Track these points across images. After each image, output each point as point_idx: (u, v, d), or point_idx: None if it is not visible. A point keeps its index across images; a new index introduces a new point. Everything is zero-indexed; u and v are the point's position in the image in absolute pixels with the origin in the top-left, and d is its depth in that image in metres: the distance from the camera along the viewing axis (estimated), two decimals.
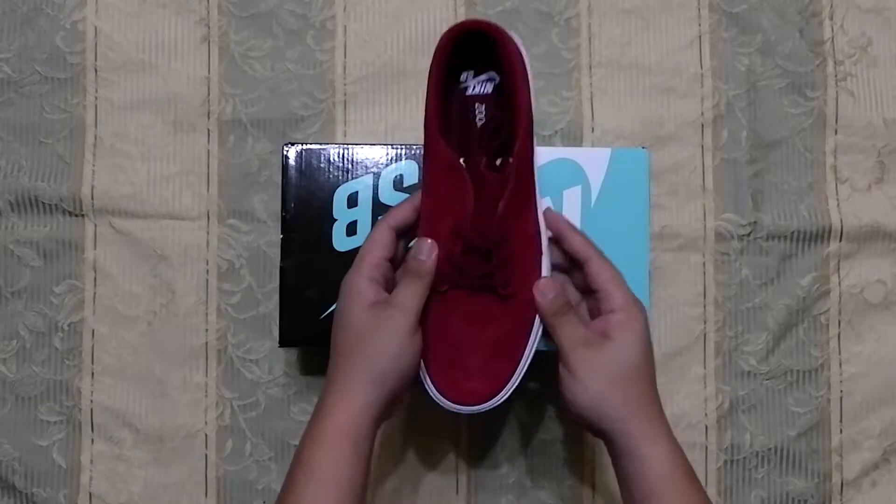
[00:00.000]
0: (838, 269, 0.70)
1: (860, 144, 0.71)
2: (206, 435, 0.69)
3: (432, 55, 0.53)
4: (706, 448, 0.70)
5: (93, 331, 0.70)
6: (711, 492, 0.69)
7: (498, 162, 0.55)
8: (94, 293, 0.70)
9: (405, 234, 0.55)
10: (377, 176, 0.64)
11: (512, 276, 0.52)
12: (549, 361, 0.69)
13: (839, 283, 0.70)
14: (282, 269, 0.63)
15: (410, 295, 0.51)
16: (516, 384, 0.52)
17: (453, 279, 0.52)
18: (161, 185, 0.70)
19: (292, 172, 0.64)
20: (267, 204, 0.70)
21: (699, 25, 0.72)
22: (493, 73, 0.55)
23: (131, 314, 0.70)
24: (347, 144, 0.64)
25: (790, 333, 0.70)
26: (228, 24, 0.71)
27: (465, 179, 0.51)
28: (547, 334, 0.53)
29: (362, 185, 0.64)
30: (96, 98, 0.71)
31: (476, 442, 0.69)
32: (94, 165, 0.70)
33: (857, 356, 0.70)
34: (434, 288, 0.52)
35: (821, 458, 0.70)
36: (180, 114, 0.71)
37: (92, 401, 0.69)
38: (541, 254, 0.53)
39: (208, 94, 0.71)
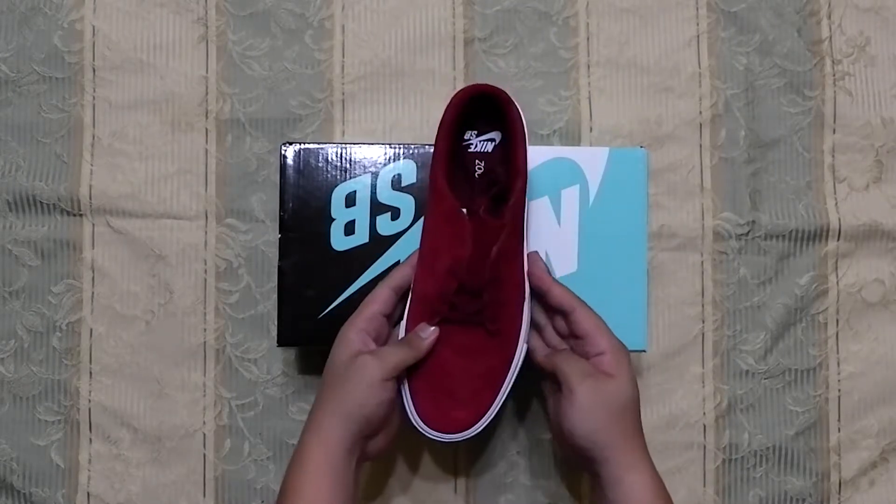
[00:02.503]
0: (836, 268, 0.70)
1: (858, 144, 0.71)
2: (204, 434, 0.69)
3: (444, 111, 0.58)
4: (704, 447, 0.70)
5: (91, 330, 0.70)
6: (710, 491, 0.69)
7: (493, 208, 0.59)
8: (93, 293, 0.70)
9: (405, 294, 0.59)
10: (375, 175, 0.64)
11: (500, 313, 0.58)
12: None
13: (837, 283, 0.70)
14: (280, 269, 0.63)
15: (394, 353, 0.56)
16: (493, 414, 0.57)
17: (446, 314, 0.57)
18: (159, 185, 0.70)
19: (290, 172, 0.64)
20: (265, 203, 0.70)
21: (697, 25, 0.72)
22: (494, 134, 0.61)
23: (129, 314, 0.70)
24: (345, 144, 0.64)
25: (788, 333, 0.70)
26: (226, 24, 0.71)
27: (465, 225, 0.57)
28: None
29: (360, 184, 0.64)
30: (94, 97, 0.71)
31: (475, 442, 0.69)
32: (92, 165, 0.70)
33: (856, 355, 0.70)
34: (428, 321, 0.58)
35: (819, 458, 0.70)
36: (178, 113, 0.71)
37: (90, 400, 0.69)
38: (524, 297, 0.59)
39: (206, 94, 0.71)
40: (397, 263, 0.63)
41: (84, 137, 0.70)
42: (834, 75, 0.72)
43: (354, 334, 0.57)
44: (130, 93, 0.71)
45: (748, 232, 0.70)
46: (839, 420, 0.70)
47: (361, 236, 0.64)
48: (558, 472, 0.69)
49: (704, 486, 0.69)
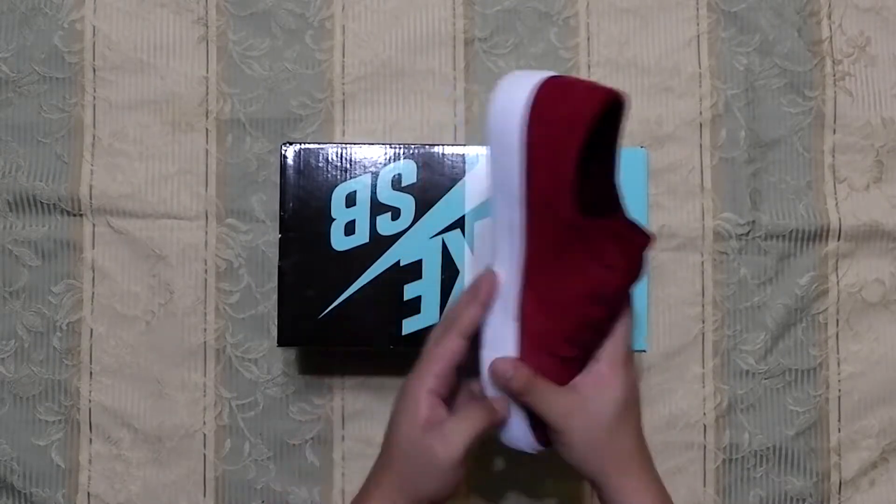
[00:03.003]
0: (836, 268, 0.70)
1: (858, 144, 0.71)
2: (204, 435, 0.69)
3: (575, 129, 0.45)
4: (704, 447, 0.70)
5: (91, 330, 0.70)
6: (710, 491, 0.69)
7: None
8: (93, 293, 0.70)
9: (475, 337, 0.52)
10: (375, 175, 0.64)
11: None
12: None
13: (837, 283, 0.71)
14: (280, 269, 0.63)
15: (472, 426, 0.50)
16: None
17: (588, 344, 0.51)
18: (159, 185, 0.70)
19: (290, 172, 0.64)
20: (265, 203, 0.70)
21: (697, 25, 0.72)
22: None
23: (130, 314, 0.70)
24: (346, 144, 0.64)
25: (788, 333, 0.70)
26: (227, 24, 0.71)
27: (611, 248, 0.48)
28: None
29: (360, 184, 0.64)
30: (94, 98, 0.71)
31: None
32: (92, 165, 0.70)
33: (856, 355, 0.70)
34: (559, 353, 0.51)
35: (819, 458, 0.70)
36: (178, 113, 0.71)
37: (90, 400, 0.69)
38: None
39: (206, 94, 0.71)
40: (398, 264, 0.63)
41: (84, 137, 0.70)
42: (834, 75, 0.72)
43: (424, 398, 0.50)
44: (131, 93, 0.71)
45: (748, 232, 0.70)
46: (839, 420, 0.70)
47: (362, 236, 0.64)
48: (560, 473, 0.69)
49: (705, 486, 0.69)
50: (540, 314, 0.50)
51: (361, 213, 0.64)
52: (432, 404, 0.51)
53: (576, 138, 0.45)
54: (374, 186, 0.64)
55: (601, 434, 0.51)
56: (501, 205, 0.49)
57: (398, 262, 0.63)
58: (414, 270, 0.63)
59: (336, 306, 0.63)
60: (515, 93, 0.47)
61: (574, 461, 0.52)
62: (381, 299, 0.63)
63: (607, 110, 0.46)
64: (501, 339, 0.51)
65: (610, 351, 0.51)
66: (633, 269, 0.49)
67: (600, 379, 0.51)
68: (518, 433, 0.53)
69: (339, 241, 0.64)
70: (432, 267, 0.63)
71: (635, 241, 0.49)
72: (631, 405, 0.52)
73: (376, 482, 0.53)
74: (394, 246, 0.64)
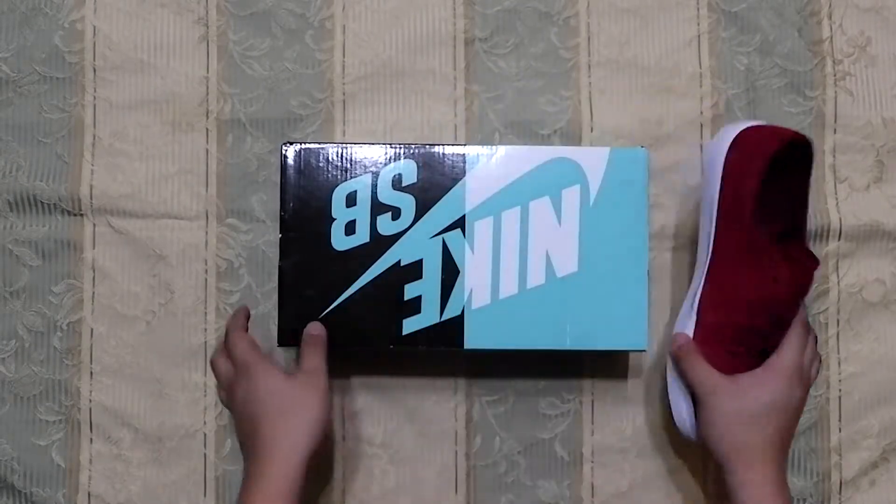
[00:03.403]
0: (837, 268, 0.70)
1: (859, 144, 0.71)
2: (204, 434, 0.69)
3: (748, 144, 0.61)
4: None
5: (91, 330, 0.70)
6: (711, 490, 0.69)
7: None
8: (93, 293, 0.70)
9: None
10: (376, 175, 0.64)
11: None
12: (553, 361, 0.69)
13: (838, 283, 0.70)
14: (280, 269, 0.63)
15: (318, 360, 0.61)
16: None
17: (754, 345, 0.61)
18: (160, 185, 0.70)
19: (291, 172, 0.64)
20: (265, 203, 0.70)
21: (698, 25, 0.72)
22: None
23: (130, 314, 0.70)
24: (346, 144, 0.64)
25: None
26: (227, 24, 0.71)
27: (784, 264, 0.60)
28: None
29: (361, 184, 0.64)
30: (95, 98, 0.71)
31: (475, 441, 0.69)
32: (92, 165, 0.70)
33: (856, 355, 0.70)
34: (730, 350, 0.61)
35: (820, 458, 0.70)
36: (179, 113, 0.71)
37: (91, 400, 0.69)
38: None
39: (207, 94, 0.71)
40: (398, 264, 0.63)
41: (85, 137, 0.70)
42: (835, 75, 0.72)
43: (270, 363, 0.61)
44: (131, 93, 0.71)
45: None
46: (840, 420, 0.70)
47: (362, 236, 0.64)
48: (560, 473, 0.69)
49: (706, 484, 0.69)
50: (713, 310, 0.62)
51: (362, 212, 0.64)
52: (278, 365, 0.61)
53: (758, 163, 0.59)
54: (374, 186, 0.64)
55: (737, 424, 0.59)
56: (705, 220, 0.63)
57: (398, 261, 0.63)
58: (414, 270, 0.63)
59: (336, 306, 0.63)
60: (727, 133, 0.62)
61: (709, 441, 0.60)
62: (382, 299, 0.63)
63: (796, 152, 0.60)
64: (683, 323, 0.64)
65: (774, 360, 0.60)
66: (798, 286, 0.61)
67: (755, 378, 0.59)
68: (682, 417, 0.63)
69: (340, 241, 0.64)
70: (432, 267, 0.63)
71: (805, 264, 0.61)
72: (776, 412, 0.59)
73: (263, 443, 0.58)
74: (394, 246, 0.64)
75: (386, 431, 0.69)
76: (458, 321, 0.63)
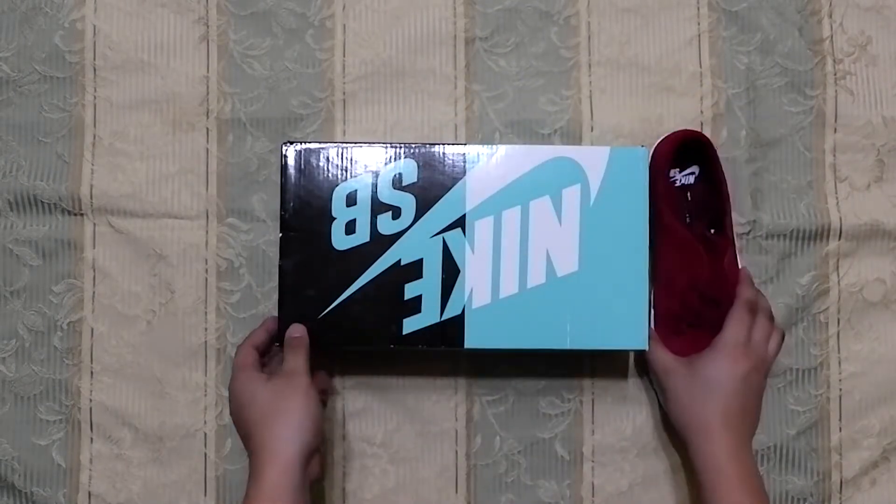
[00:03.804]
0: (837, 267, 0.70)
1: (859, 143, 0.71)
2: (205, 434, 0.69)
3: (652, 157, 0.67)
4: None
5: (92, 330, 0.70)
6: None
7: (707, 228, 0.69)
8: (94, 292, 0.70)
9: (265, 352, 0.65)
10: (376, 175, 0.64)
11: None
12: (553, 361, 0.69)
13: (838, 282, 0.70)
14: (281, 268, 0.63)
15: (300, 362, 0.61)
16: None
17: (692, 321, 0.67)
18: (160, 185, 0.70)
19: (291, 171, 0.64)
20: (266, 203, 0.70)
21: (698, 24, 0.71)
22: (694, 168, 0.70)
23: (130, 313, 0.70)
24: (346, 143, 0.64)
25: (789, 332, 0.70)
26: (227, 23, 0.71)
27: (698, 248, 0.66)
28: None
29: (361, 183, 0.64)
30: (95, 97, 0.71)
31: (475, 440, 0.69)
32: (93, 165, 0.70)
33: (857, 355, 0.70)
34: (675, 331, 0.67)
35: (820, 457, 0.70)
36: (179, 113, 0.71)
37: (91, 400, 0.69)
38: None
39: (207, 94, 0.71)
40: (398, 263, 0.63)
41: (85, 137, 0.70)
42: (835, 74, 0.72)
43: (256, 372, 0.61)
44: (131, 92, 0.71)
45: (749, 231, 0.70)
46: (840, 419, 0.70)
47: (362, 235, 0.64)
48: (560, 472, 0.69)
49: None
50: (661, 301, 0.67)
51: (362, 212, 0.64)
52: (262, 373, 0.62)
53: (661, 167, 0.67)
54: (374, 186, 0.64)
55: (690, 400, 0.63)
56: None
57: (399, 261, 0.63)
58: (414, 270, 0.63)
59: (336, 306, 0.63)
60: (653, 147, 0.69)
61: (672, 420, 0.65)
62: (382, 299, 0.63)
63: (702, 148, 0.68)
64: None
65: (716, 339, 0.64)
66: (718, 268, 0.66)
67: (701, 357, 0.64)
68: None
69: (340, 241, 0.64)
70: (433, 266, 0.63)
71: (720, 248, 0.67)
72: (722, 385, 0.62)
73: (261, 445, 0.58)
74: (394, 245, 0.63)
75: (386, 431, 0.69)
76: (458, 321, 0.63)
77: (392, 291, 0.63)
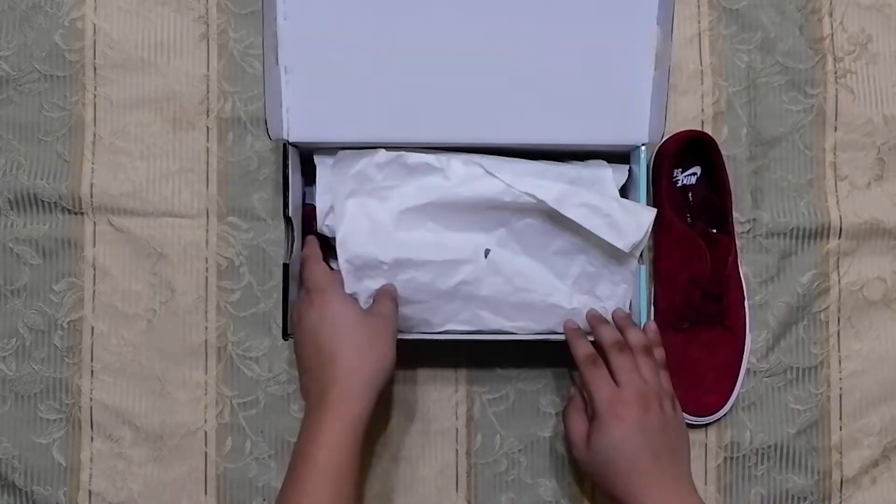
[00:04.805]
0: (838, 266, 0.70)
1: (860, 141, 0.71)
2: (205, 433, 0.69)
3: (657, 155, 0.68)
4: (706, 445, 0.70)
5: (92, 329, 0.70)
6: (711, 489, 0.69)
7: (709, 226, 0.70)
8: (94, 291, 0.70)
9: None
10: None
11: (732, 312, 0.68)
12: (555, 355, 0.69)
13: (839, 281, 0.70)
14: (285, 266, 0.63)
15: (393, 308, 0.60)
16: (735, 398, 0.69)
17: (692, 318, 0.67)
18: (160, 183, 0.70)
19: (292, 170, 0.64)
20: (266, 202, 0.70)
21: (699, 22, 0.71)
22: (696, 168, 0.70)
23: (131, 312, 0.70)
24: (347, 142, 0.64)
25: (790, 331, 0.70)
26: (227, 22, 0.71)
27: (701, 246, 0.66)
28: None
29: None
30: (95, 96, 0.71)
31: (476, 439, 0.69)
32: (93, 163, 0.70)
33: (857, 353, 0.70)
34: (676, 327, 0.67)
35: (820, 456, 0.70)
36: (179, 112, 0.71)
37: (91, 399, 0.69)
38: (744, 296, 0.69)
39: (207, 92, 0.71)
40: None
41: (85, 136, 0.70)
42: (836, 73, 0.71)
43: (351, 298, 0.60)
44: (132, 91, 0.71)
45: (750, 230, 0.70)
46: (840, 418, 0.70)
47: None
48: (560, 471, 0.69)
49: (706, 484, 0.69)
50: (665, 294, 0.68)
51: None
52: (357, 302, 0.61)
53: (666, 167, 0.68)
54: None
55: (602, 478, 0.59)
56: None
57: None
58: None
59: None
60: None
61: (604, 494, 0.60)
62: None
63: (705, 148, 0.68)
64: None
65: (591, 415, 0.60)
66: (720, 264, 0.67)
67: (592, 438, 0.59)
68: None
69: None
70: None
71: (723, 245, 0.67)
72: (617, 454, 0.58)
73: (336, 377, 0.56)
74: None
75: (386, 430, 0.69)
76: None
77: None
